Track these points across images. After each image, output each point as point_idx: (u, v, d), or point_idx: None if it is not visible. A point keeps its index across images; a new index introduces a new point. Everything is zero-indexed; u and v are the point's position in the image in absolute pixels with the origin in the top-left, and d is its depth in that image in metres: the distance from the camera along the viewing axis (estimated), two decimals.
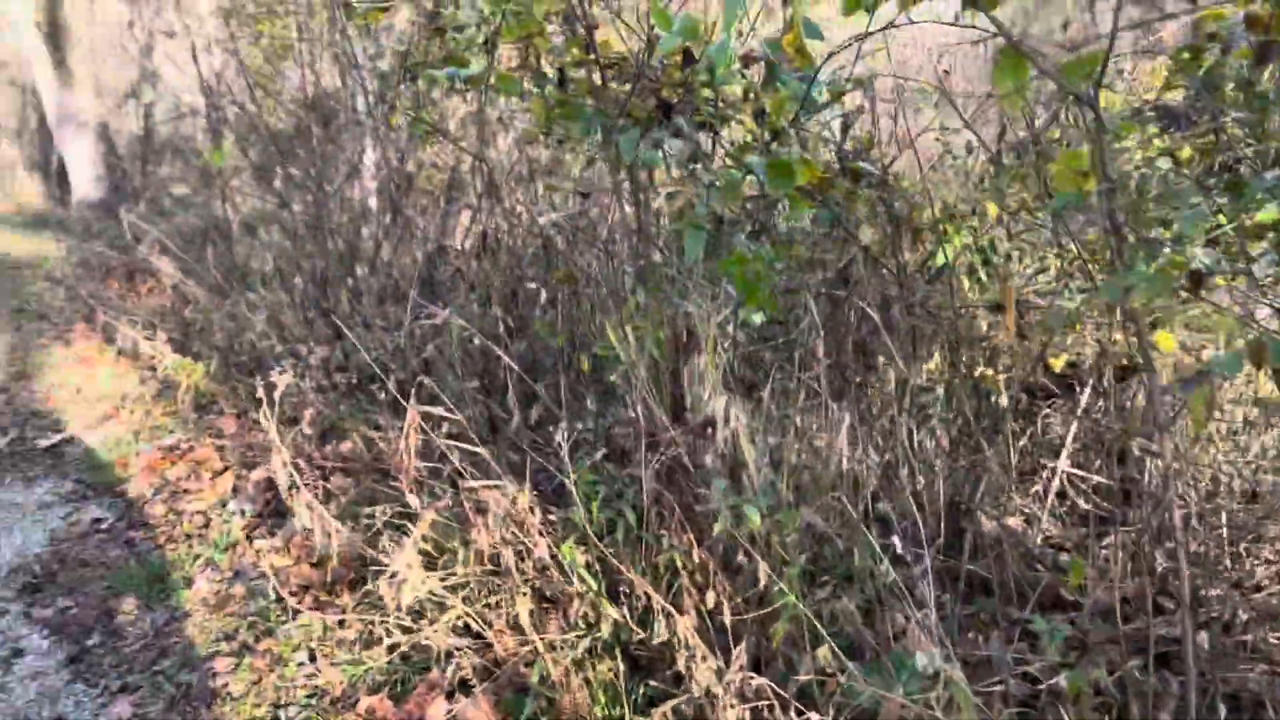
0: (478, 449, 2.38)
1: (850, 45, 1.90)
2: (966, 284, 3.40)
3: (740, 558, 1.97)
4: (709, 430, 2.07)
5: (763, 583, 1.82)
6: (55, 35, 10.56)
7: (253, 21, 8.61)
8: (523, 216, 4.45)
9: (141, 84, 13.58)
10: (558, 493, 2.94)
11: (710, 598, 1.93)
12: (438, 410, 2.31)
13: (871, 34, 1.95)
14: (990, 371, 3.14)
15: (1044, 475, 3.29)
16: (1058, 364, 3.19)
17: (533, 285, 3.60)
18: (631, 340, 2.38)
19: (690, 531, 2.03)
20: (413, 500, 2.32)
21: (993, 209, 3.37)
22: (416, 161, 5.27)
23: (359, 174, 5.74)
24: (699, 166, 2.64)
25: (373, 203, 5.92)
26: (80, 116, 10.60)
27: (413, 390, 2.92)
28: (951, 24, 1.74)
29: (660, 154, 2.63)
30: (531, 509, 2.38)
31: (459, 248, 4.65)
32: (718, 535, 1.89)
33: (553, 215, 3.47)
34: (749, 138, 2.91)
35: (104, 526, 3.53)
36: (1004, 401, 3.32)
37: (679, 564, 2.16)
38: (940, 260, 3.09)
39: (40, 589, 3.18)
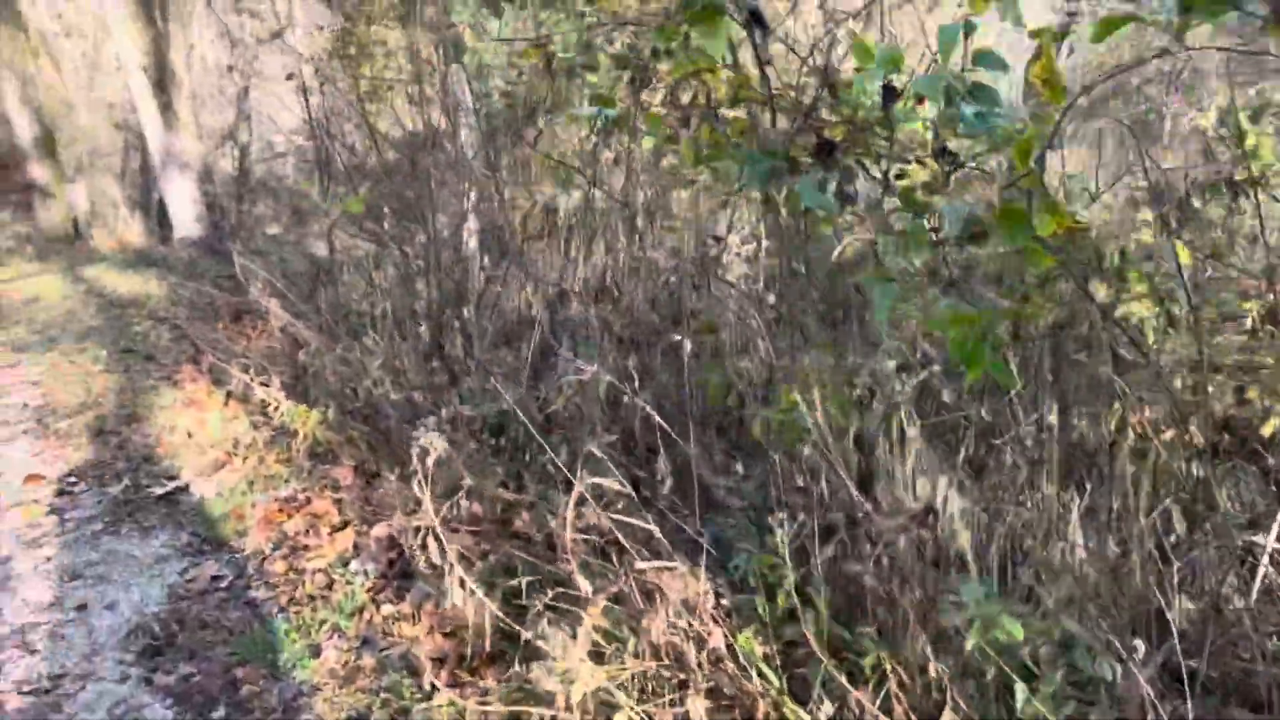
0: (642, 523, 2.14)
1: (1114, 77, 1.63)
2: (1151, 337, 3.07)
3: (985, 670, 1.68)
4: (928, 516, 1.79)
5: (1020, 705, 1.53)
6: (161, 79, 10.80)
7: (354, 64, 8.65)
8: (646, 258, 4.24)
9: (238, 125, 13.87)
10: (709, 565, 2.68)
11: (948, 718, 1.64)
12: (605, 482, 2.07)
13: (1130, 68, 1.69)
14: (1187, 435, 2.81)
15: (1238, 551, 2.93)
16: (1269, 428, 2.83)
17: (669, 335, 3.37)
18: (818, 401, 2.12)
19: (924, 634, 1.75)
20: (583, 585, 2.07)
21: (1184, 253, 3.04)
22: (524, 201, 5.12)
23: (466, 215, 5.61)
24: (866, 209, 2.39)
25: (473, 243, 5.79)
26: (183, 158, 10.79)
27: (548, 448, 2.70)
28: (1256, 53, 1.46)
29: (832, 198, 2.39)
30: (706, 593, 2.12)
31: (576, 290, 4.46)
32: (971, 649, 1.61)
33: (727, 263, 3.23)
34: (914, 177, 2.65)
35: (223, 584, 3.37)
36: (1197, 469, 2.97)
37: (887, 667, 1.88)
38: (1134, 311, 2.78)
39: (161, 652, 3.01)
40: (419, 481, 2.12)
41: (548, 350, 4.30)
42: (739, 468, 2.95)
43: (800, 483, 2.50)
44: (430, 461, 2.14)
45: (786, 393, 2.23)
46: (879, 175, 2.54)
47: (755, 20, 2.34)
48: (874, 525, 1.88)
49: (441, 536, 2.14)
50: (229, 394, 5.25)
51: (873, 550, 1.89)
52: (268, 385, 4.38)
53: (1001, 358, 1.90)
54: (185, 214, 10.95)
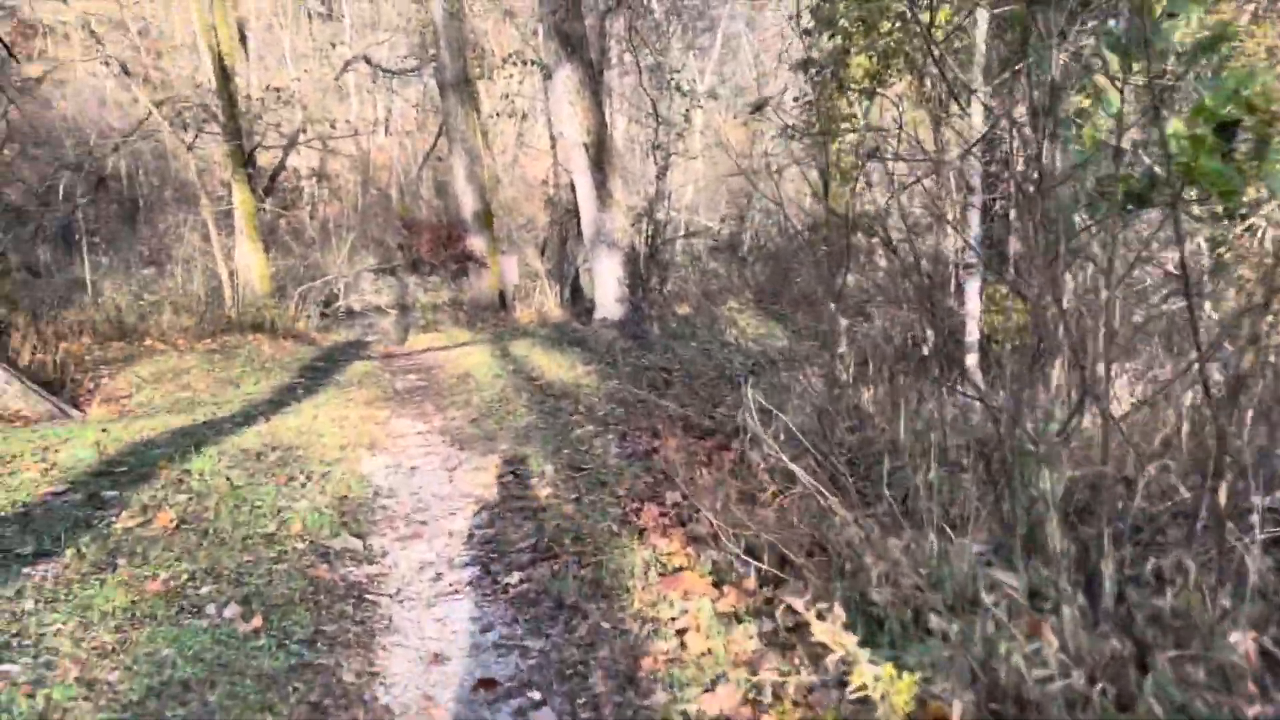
0: None
1: None
2: None
3: None
4: None
5: None
6: (599, 158, 10.15)
7: (824, 140, 7.18)
8: None
9: (656, 203, 13.15)
10: None
11: None
12: None
13: None
14: None
15: None
16: None
17: None
18: None
19: None
20: None
21: None
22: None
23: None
24: None
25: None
26: (613, 236, 10.03)
27: None
28: None
29: None
30: None
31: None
32: None
33: None
34: None
35: None
36: None
37: None
38: None
39: None
40: None
41: None
42: None
43: None
44: None
45: None
46: None
47: None
48: None
49: None
50: (715, 567, 3.73)
51: None
52: (824, 617, 2.72)
53: None
54: (609, 293, 10.16)
